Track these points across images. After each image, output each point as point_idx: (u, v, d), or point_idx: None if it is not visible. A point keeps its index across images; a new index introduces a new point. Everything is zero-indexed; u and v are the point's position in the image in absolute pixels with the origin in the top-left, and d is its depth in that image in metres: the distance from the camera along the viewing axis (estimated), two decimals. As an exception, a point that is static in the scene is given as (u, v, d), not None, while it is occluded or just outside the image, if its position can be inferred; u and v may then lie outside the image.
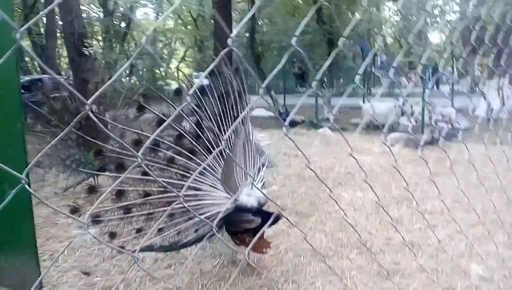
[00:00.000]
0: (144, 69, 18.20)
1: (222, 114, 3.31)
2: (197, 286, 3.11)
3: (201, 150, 3.10)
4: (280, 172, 6.47)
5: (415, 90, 13.11)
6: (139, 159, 1.04)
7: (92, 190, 2.80)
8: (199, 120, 3.16)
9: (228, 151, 3.13)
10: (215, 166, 3.13)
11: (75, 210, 2.77)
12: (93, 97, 1.00)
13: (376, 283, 3.10)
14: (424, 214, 4.32)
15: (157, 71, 19.10)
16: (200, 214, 2.97)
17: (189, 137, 3.08)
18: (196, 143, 3.11)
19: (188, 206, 2.91)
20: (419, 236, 3.93)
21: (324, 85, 19.67)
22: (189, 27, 24.84)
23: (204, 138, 3.16)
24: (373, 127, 10.89)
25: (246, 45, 19.81)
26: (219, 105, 3.31)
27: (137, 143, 2.92)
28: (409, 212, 4.55)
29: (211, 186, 3.05)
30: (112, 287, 3.14)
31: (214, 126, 3.22)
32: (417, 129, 10.22)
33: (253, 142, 3.46)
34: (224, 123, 3.31)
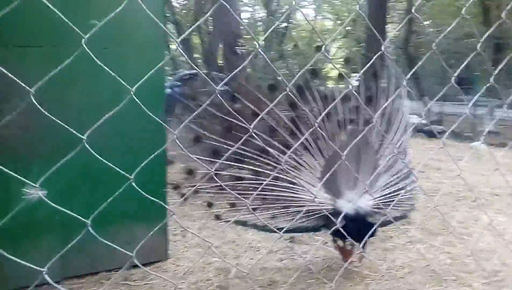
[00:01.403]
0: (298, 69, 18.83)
1: (333, 116, 3.27)
2: (303, 283, 3.16)
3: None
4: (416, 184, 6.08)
5: None
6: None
7: (191, 172, 3.12)
8: (296, 116, 3.20)
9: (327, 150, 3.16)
10: (313, 164, 3.15)
11: (176, 187, 3.19)
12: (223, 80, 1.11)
13: (497, 320, 2.75)
14: None
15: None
16: (295, 207, 3.07)
17: (282, 131, 3.15)
18: (291, 139, 3.16)
19: (282, 196, 3.04)
20: None
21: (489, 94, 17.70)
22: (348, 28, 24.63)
23: (300, 134, 3.17)
24: (541, 146, 9.47)
25: (401, 46, 18.91)
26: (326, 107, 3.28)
27: (229, 130, 3.12)
28: None
29: (308, 182, 3.09)
30: (225, 268, 3.40)
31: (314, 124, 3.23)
32: None
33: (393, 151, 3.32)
34: (335, 125, 3.27)
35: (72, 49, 1.12)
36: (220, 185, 3.16)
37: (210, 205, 3.21)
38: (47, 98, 1.50)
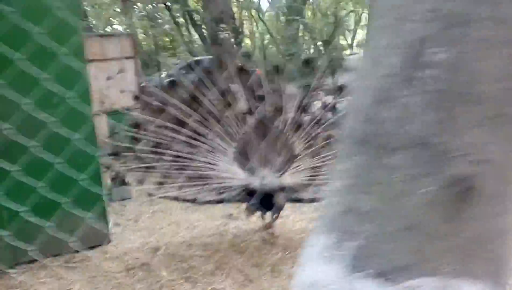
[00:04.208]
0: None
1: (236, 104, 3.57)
2: (218, 256, 3.52)
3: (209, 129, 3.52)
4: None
5: None
6: None
7: (117, 153, 3.58)
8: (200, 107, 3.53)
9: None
10: (225, 147, 3.54)
11: (107, 167, 3.69)
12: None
13: None
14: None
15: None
16: (218, 183, 3.50)
17: (189, 121, 3.49)
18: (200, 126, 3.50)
19: (203, 174, 3.41)
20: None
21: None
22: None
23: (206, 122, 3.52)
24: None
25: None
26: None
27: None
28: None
29: (223, 162, 3.51)
30: (160, 248, 3.82)
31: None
32: None
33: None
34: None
35: None
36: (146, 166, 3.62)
37: (141, 181, 3.66)
38: None
